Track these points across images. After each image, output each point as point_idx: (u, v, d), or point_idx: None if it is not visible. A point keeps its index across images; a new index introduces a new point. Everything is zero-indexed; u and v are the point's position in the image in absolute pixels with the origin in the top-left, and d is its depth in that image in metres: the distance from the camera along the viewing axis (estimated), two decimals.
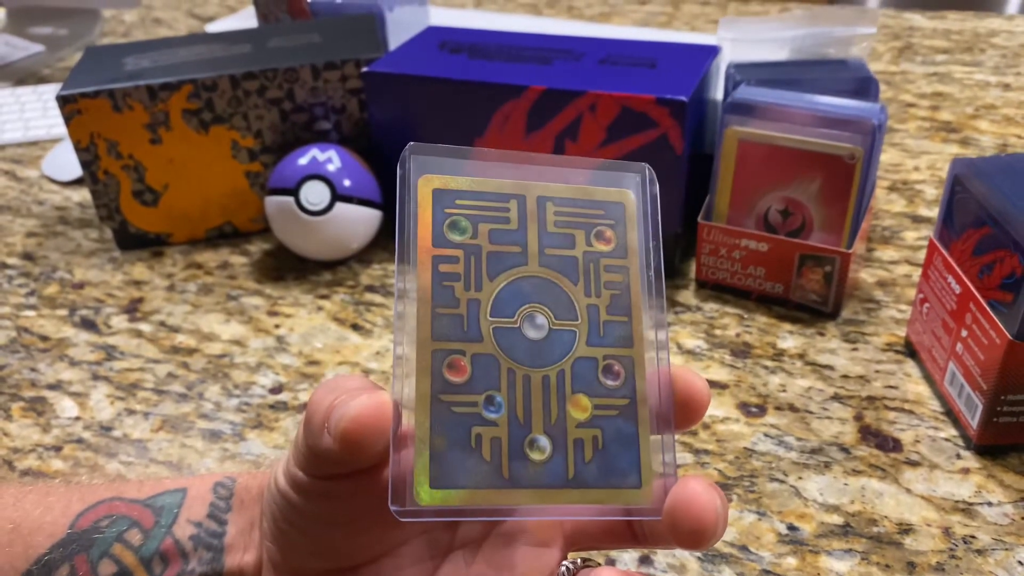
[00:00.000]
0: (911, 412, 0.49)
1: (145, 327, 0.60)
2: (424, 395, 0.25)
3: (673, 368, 0.27)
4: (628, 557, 0.41)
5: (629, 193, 0.29)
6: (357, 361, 0.56)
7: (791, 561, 0.41)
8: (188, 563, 0.31)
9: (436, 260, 0.26)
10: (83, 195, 0.79)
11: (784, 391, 0.51)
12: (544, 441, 0.26)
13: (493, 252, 0.27)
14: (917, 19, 1.12)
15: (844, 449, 0.47)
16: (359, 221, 0.63)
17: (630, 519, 0.28)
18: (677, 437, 0.49)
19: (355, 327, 0.59)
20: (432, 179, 0.27)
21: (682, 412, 0.27)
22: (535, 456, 0.25)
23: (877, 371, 0.53)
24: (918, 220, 0.68)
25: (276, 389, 0.54)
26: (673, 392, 0.27)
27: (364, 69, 0.63)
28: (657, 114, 0.56)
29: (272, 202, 0.62)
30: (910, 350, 0.54)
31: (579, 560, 0.29)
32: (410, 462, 0.24)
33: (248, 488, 0.32)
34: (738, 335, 0.56)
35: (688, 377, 0.27)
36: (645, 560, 0.41)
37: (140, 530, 0.31)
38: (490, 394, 0.26)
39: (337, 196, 0.61)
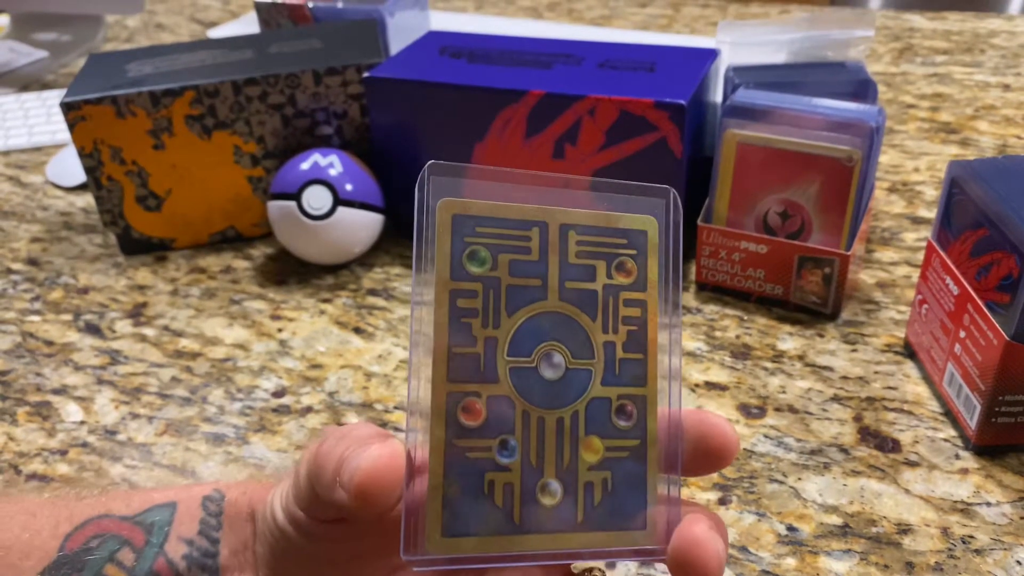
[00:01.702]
0: (910, 413, 0.50)
1: (149, 331, 0.61)
2: (439, 441, 0.24)
3: (699, 412, 0.27)
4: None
5: (653, 221, 0.27)
6: (359, 364, 0.56)
7: (790, 562, 0.41)
8: None
9: (454, 295, 0.25)
10: (87, 200, 0.79)
11: (784, 392, 0.52)
12: (556, 485, 0.25)
13: (513, 286, 0.26)
14: (917, 20, 1.12)
15: (843, 450, 0.47)
16: (361, 225, 0.63)
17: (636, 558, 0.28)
18: None
19: (357, 330, 0.59)
20: (452, 203, 0.26)
21: (709, 455, 0.27)
22: (546, 501, 0.25)
23: (876, 372, 0.53)
24: (918, 221, 0.68)
25: (279, 393, 0.54)
26: (686, 434, 0.27)
27: (365, 74, 0.63)
28: (656, 118, 0.56)
29: (274, 207, 0.62)
30: (909, 351, 0.54)
31: (584, 572, 0.29)
32: (422, 508, 0.24)
33: (237, 504, 0.31)
34: (738, 337, 0.57)
35: (714, 421, 0.27)
36: (645, 561, 0.42)
37: (132, 549, 0.30)
38: (504, 438, 0.25)
39: (339, 200, 0.61)
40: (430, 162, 0.26)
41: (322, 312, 0.61)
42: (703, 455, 0.27)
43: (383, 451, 0.24)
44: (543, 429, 0.26)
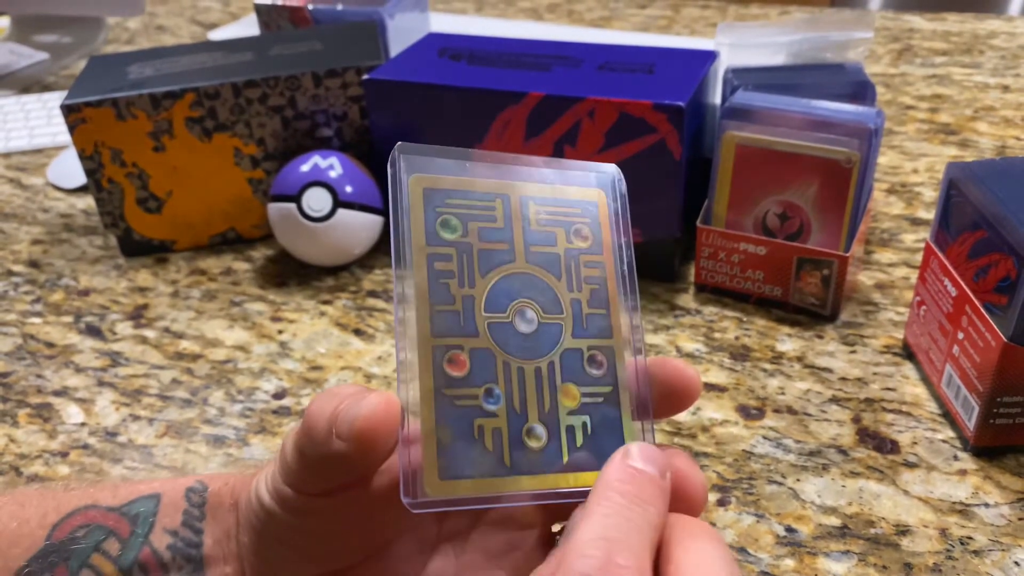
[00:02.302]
0: (908, 414, 0.50)
1: (150, 333, 0.61)
2: (428, 390, 0.26)
3: (660, 358, 0.29)
4: None
5: (602, 192, 0.31)
6: (360, 366, 0.56)
7: (789, 563, 0.41)
8: (168, 574, 0.31)
9: (431, 258, 0.27)
10: (88, 202, 0.79)
11: (783, 394, 0.52)
12: (540, 429, 0.27)
13: (483, 250, 0.28)
14: (916, 21, 1.12)
15: (842, 451, 0.47)
16: (361, 227, 0.63)
17: None
18: (675, 436, 0.49)
19: (357, 332, 0.59)
20: (422, 179, 0.28)
21: (672, 397, 0.29)
22: (532, 444, 0.27)
23: (875, 373, 0.53)
24: (917, 222, 0.69)
25: (279, 394, 0.54)
26: (652, 380, 0.29)
27: (365, 76, 0.63)
28: (655, 119, 0.56)
29: (275, 209, 0.62)
30: (908, 352, 0.54)
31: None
32: (419, 456, 0.25)
33: (219, 495, 0.32)
34: (737, 338, 0.57)
35: (676, 364, 0.29)
36: None
37: (117, 539, 0.31)
38: (489, 387, 0.27)
39: (339, 202, 0.61)
40: (399, 143, 0.28)
41: (322, 314, 0.62)
42: (668, 397, 0.29)
43: (379, 399, 0.26)
44: (523, 378, 0.27)
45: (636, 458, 0.25)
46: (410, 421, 0.25)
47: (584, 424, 0.28)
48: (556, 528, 0.31)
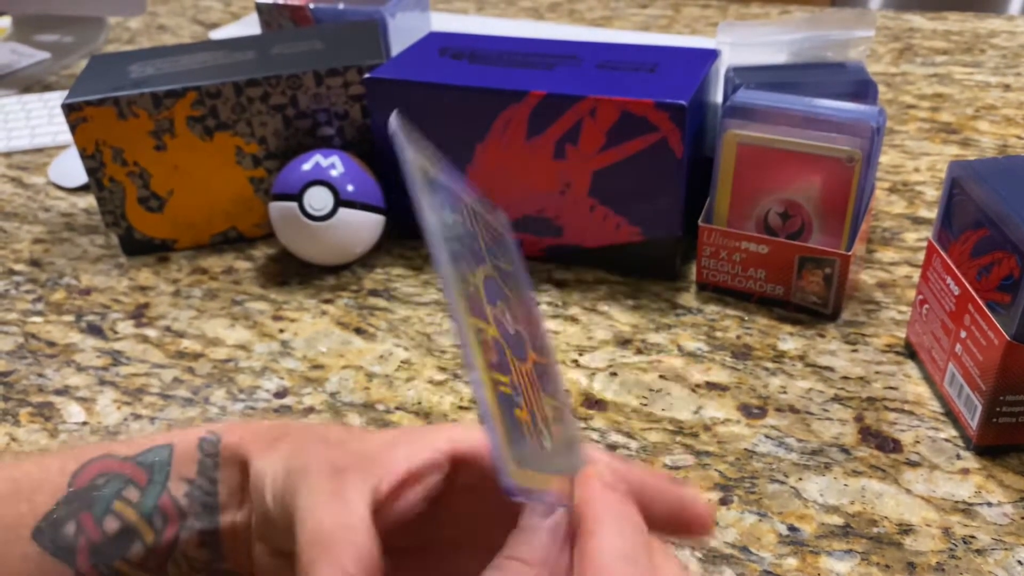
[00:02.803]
0: (911, 413, 0.50)
1: (151, 332, 0.61)
2: (483, 369, 0.23)
3: (676, 489, 0.29)
4: None
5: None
6: (361, 365, 0.56)
7: (791, 562, 0.41)
8: (186, 519, 0.32)
9: (448, 241, 0.26)
10: (89, 202, 0.79)
11: (784, 393, 0.52)
12: (545, 430, 0.26)
13: (471, 244, 0.28)
14: (917, 20, 1.12)
15: (844, 450, 0.47)
16: (362, 226, 0.63)
17: None
18: (677, 435, 0.49)
19: (359, 331, 0.59)
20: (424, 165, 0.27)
21: (680, 531, 0.29)
22: (547, 444, 0.26)
23: (877, 372, 0.53)
24: (918, 221, 0.69)
25: (281, 393, 0.54)
26: (656, 505, 0.28)
27: (366, 75, 0.63)
28: (657, 118, 0.56)
29: (276, 208, 0.62)
30: (910, 351, 0.54)
31: None
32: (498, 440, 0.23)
33: (232, 448, 0.32)
34: (739, 337, 0.57)
35: (681, 495, 0.29)
36: None
37: (136, 487, 0.32)
38: (509, 377, 0.25)
39: (340, 201, 0.61)
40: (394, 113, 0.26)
41: (323, 313, 0.62)
42: (675, 529, 0.29)
43: None
44: (523, 375, 0.27)
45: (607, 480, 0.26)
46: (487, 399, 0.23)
47: (561, 433, 0.28)
48: None
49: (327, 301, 0.63)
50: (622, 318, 0.59)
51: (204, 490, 0.32)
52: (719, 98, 0.66)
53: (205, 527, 0.32)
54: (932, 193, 0.72)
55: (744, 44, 0.64)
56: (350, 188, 0.62)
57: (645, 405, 0.52)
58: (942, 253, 0.49)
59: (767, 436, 0.49)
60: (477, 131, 0.61)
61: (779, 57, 0.64)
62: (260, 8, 0.90)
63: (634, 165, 0.58)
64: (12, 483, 0.32)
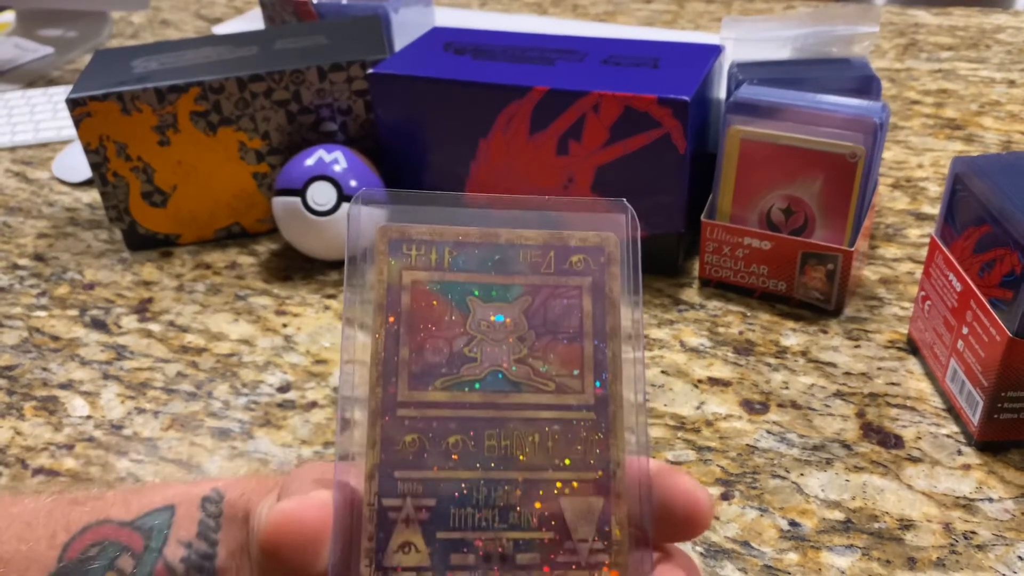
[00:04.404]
0: (913, 409, 0.50)
1: (155, 327, 0.61)
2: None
3: (666, 472, 0.26)
4: None
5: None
6: (364, 359, 0.56)
7: (792, 557, 0.41)
8: None
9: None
10: (93, 196, 0.79)
11: (786, 388, 0.52)
12: None
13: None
14: (922, 15, 1.12)
15: (846, 446, 0.47)
16: (371, 220, 0.63)
17: None
18: (679, 430, 0.49)
19: (362, 326, 0.59)
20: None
21: (677, 527, 0.26)
22: None
23: (879, 368, 0.53)
24: (921, 217, 0.68)
25: (284, 388, 0.54)
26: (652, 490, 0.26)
27: (370, 71, 0.63)
28: (660, 114, 0.56)
29: (279, 203, 0.62)
30: (912, 347, 0.54)
31: None
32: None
33: (235, 506, 0.31)
34: (741, 333, 0.57)
35: (684, 487, 0.25)
36: None
37: (131, 555, 0.30)
38: None
39: (343, 196, 0.61)
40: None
41: (327, 308, 0.62)
42: (672, 521, 0.25)
43: (292, 504, 0.24)
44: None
45: None
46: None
47: None
48: None
49: (330, 296, 0.63)
50: (624, 313, 0.59)
51: (202, 554, 0.30)
52: (722, 94, 0.65)
53: None
54: (935, 189, 0.72)
55: (748, 40, 0.64)
56: (353, 183, 0.62)
57: (647, 400, 0.52)
58: (944, 249, 0.49)
59: (769, 432, 0.49)
60: (480, 126, 0.61)
61: (783, 53, 0.64)
62: (263, 3, 0.90)
63: (637, 161, 0.58)
64: (1, 567, 0.30)
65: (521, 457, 0.24)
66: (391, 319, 0.25)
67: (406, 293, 0.25)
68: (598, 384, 0.25)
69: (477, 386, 0.25)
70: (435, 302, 0.25)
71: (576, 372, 0.25)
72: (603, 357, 0.25)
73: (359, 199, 0.25)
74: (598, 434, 0.24)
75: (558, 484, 0.24)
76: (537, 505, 0.24)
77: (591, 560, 0.24)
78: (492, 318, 0.25)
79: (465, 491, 0.24)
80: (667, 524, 0.25)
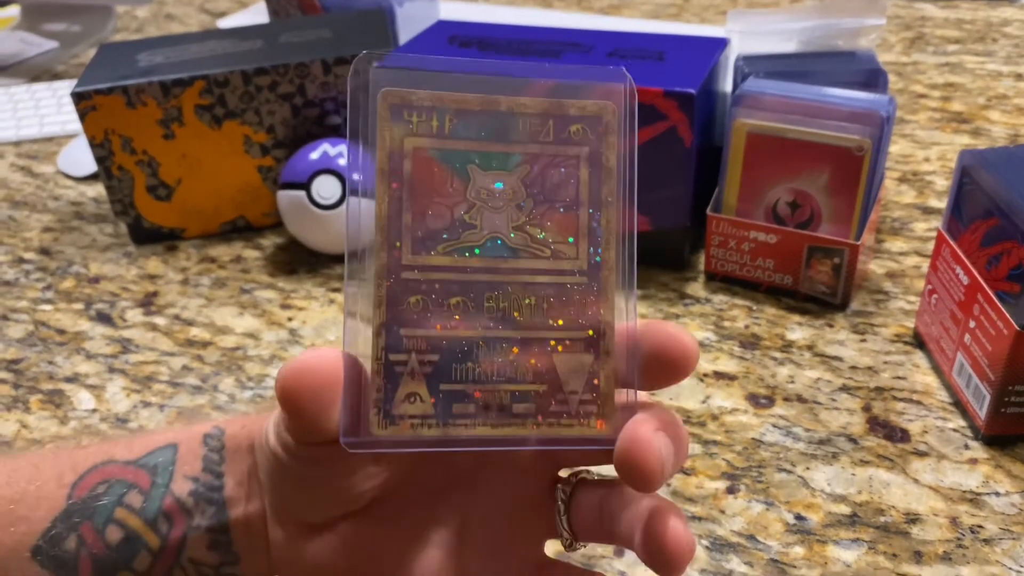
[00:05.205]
0: (919, 403, 0.50)
1: (160, 320, 0.61)
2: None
3: (647, 321, 0.27)
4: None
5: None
6: (368, 353, 0.56)
7: (798, 550, 0.41)
8: (192, 519, 0.30)
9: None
10: (98, 190, 0.79)
11: (793, 382, 0.52)
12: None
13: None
14: (929, 8, 1.11)
15: (852, 440, 0.47)
16: (370, 215, 0.63)
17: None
18: (684, 423, 0.49)
19: (364, 320, 0.59)
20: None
21: (667, 367, 0.27)
22: None
23: (886, 362, 0.53)
24: (928, 211, 0.68)
25: None
26: (641, 341, 0.26)
27: (375, 64, 0.63)
28: (665, 107, 0.56)
29: (284, 196, 0.62)
30: (918, 341, 0.54)
31: (572, 477, 0.30)
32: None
33: (237, 437, 0.31)
34: (747, 327, 0.57)
35: (672, 332, 0.27)
36: None
37: (139, 492, 0.31)
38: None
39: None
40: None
41: (332, 301, 0.62)
42: (661, 365, 0.27)
43: (308, 355, 0.26)
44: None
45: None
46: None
47: None
48: (563, 473, 0.30)
49: (335, 289, 0.63)
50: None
51: (209, 486, 0.31)
52: (728, 87, 0.65)
53: (213, 524, 0.31)
54: (942, 183, 0.72)
55: (753, 32, 0.64)
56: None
57: (653, 394, 0.52)
58: (951, 243, 0.49)
59: (775, 425, 0.49)
60: None
61: (789, 46, 0.64)
62: None
63: (643, 154, 0.58)
64: (11, 504, 0.31)
65: (518, 317, 0.26)
66: (394, 185, 0.26)
67: (408, 160, 0.26)
68: (592, 250, 0.26)
69: (477, 251, 0.26)
70: (436, 169, 0.26)
71: (571, 239, 0.26)
72: (597, 225, 0.27)
73: (367, 59, 0.26)
74: (590, 297, 0.26)
75: (551, 342, 0.26)
76: (532, 361, 0.26)
77: (581, 411, 0.26)
78: (492, 186, 0.26)
79: (466, 348, 0.25)
80: (656, 370, 0.27)
